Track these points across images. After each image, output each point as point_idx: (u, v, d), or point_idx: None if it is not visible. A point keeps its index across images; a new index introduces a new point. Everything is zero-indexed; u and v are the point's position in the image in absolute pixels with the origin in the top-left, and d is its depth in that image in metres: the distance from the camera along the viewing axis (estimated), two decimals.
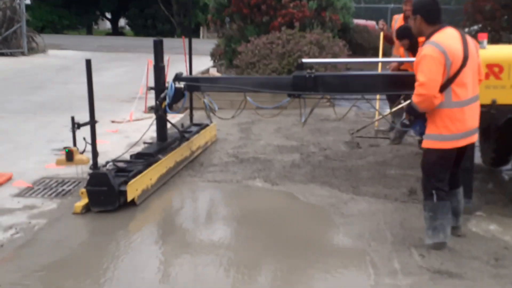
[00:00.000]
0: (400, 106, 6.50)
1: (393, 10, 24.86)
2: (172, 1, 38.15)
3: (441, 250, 3.91)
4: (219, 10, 13.15)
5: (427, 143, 3.95)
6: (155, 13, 38.97)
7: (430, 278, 3.53)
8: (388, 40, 7.58)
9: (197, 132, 6.76)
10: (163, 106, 5.70)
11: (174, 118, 8.03)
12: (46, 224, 4.48)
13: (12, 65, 16.88)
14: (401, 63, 6.59)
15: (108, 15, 46.42)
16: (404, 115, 6.55)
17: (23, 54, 19.73)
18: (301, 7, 11.88)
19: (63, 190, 5.37)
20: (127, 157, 5.64)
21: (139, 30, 40.07)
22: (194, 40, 7.81)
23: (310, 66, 7.89)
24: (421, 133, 4.13)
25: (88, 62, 4.63)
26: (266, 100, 8.60)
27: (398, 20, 7.47)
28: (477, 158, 5.74)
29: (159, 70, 5.85)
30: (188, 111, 7.54)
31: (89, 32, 44.43)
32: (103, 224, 4.49)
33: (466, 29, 13.00)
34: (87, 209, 4.73)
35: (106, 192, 4.67)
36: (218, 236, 4.25)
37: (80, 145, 4.96)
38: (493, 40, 11.43)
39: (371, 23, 23.41)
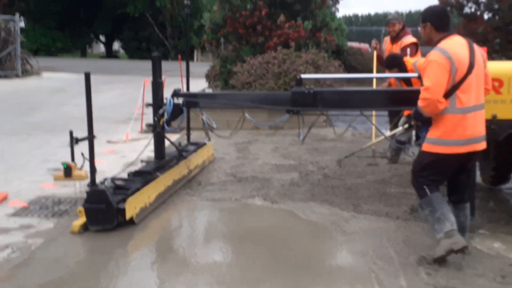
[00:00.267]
0: (396, 130, 6.51)
1: (385, 33, 25.21)
2: (166, 24, 38.48)
3: (447, 267, 3.85)
4: (214, 30, 13.20)
5: (426, 146, 4.00)
6: (149, 36, 39.24)
7: None
8: (381, 62, 7.61)
9: (195, 151, 6.71)
10: (161, 122, 5.65)
11: (170, 137, 7.96)
12: (43, 243, 4.38)
13: (6, 87, 16.85)
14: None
15: (102, 38, 46.61)
16: (398, 133, 6.61)
17: (17, 76, 19.72)
18: (296, 27, 11.95)
19: (59, 209, 5.28)
20: (124, 175, 5.56)
21: (133, 53, 40.28)
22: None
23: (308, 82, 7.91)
24: None
25: (87, 76, 4.59)
26: (263, 120, 8.61)
27: (387, 42, 7.54)
28: (477, 177, 5.71)
29: (157, 86, 5.81)
30: (184, 132, 7.50)
31: (83, 55, 44.63)
32: (101, 243, 4.40)
33: None
34: (85, 228, 4.63)
35: (104, 210, 4.58)
36: (218, 255, 4.17)
37: (78, 161, 4.89)
38: None
39: (364, 45, 23.67)
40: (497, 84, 4.48)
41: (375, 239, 4.42)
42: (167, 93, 5.74)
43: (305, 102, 5.28)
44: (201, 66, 18.45)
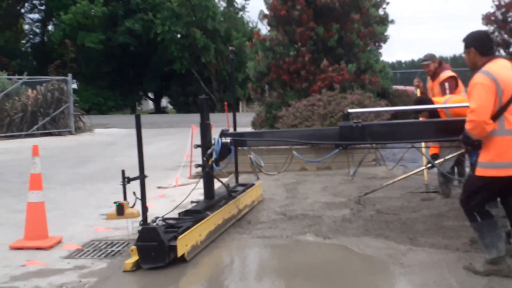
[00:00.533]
0: (441, 160, 6.35)
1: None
2: (212, 78, 39.46)
3: None
4: (259, 78, 13.42)
5: (480, 171, 3.95)
6: (195, 91, 40.24)
7: None
8: None
9: (244, 191, 6.69)
10: (210, 162, 5.69)
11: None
12: (96, 282, 4.39)
13: (60, 143, 17.42)
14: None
15: (151, 95, 48.11)
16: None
17: (70, 133, 20.39)
18: (340, 70, 12.00)
19: (112, 250, 5.31)
20: (175, 216, 5.58)
21: (181, 108, 41.35)
22: None
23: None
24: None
25: (138, 117, 4.70)
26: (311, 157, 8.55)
27: (428, 80, 7.46)
28: None
29: (205, 127, 5.88)
30: (232, 175, 7.52)
31: (133, 112, 46.08)
32: (153, 280, 4.37)
33: None
34: (137, 266, 4.63)
35: (156, 247, 4.57)
36: None
37: (130, 201, 4.94)
38: None
39: (410, 88, 23.42)
40: None
41: (435, 271, 4.23)
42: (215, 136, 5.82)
43: (354, 136, 5.22)
44: (246, 116, 18.66)
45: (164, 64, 42.69)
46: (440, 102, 6.06)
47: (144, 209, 4.76)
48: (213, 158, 5.67)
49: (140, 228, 4.75)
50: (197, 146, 6.03)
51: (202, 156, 5.82)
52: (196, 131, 6.83)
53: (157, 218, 5.01)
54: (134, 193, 4.79)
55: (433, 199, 6.80)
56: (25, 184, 5.64)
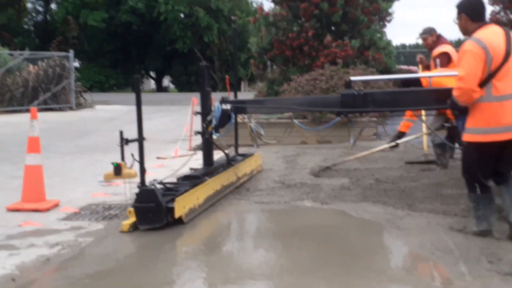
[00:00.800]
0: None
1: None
2: (214, 58, 39.27)
3: (511, 257, 3.62)
4: (261, 54, 13.34)
5: (466, 137, 4.01)
6: (198, 70, 39.94)
7: (501, 280, 3.24)
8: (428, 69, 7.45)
9: (243, 160, 6.66)
10: (209, 129, 5.64)
11: (218, 154, 7.93)
12: (93, 241, 4.38)
13: (61, 118, 17.38)
14: None
15: (153, 74, 47.94)
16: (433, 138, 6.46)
17: (71, 109, 20.33)
18: (343, 46, 11.92)
19: (110, 214, 5.29)
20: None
21: (183, 87, 41.19)
22: None
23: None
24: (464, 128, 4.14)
25: (137, 80, 4.66)
26: (311, 132, 8.52)
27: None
28: None
29: (205, 95, 5.84)
30: (232, 148, 7.48)
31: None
32: (150, 239, 4.36)
33: None
34: (134, 227, 4.62)
35: (154, 208, 4.56)
36: (267, 249, 4.05)
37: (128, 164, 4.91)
38: None
39: (414, 67, 23.30)
40: None
41: (433, 233, 4.21)
42: None
43: (356, 103, 5.16)
44: (248, 95, 18.57)
45: (167, 43, 42.51)
46: (426, 79, 6.01)
47: (142, 170, 4.74)
48: (212, 125, 5.61)
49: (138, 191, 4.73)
50: (197, 113, 5.99)
51: (201, 122, 5.77)
52: (197, 104, 6.77)
53: (155, 180, 4.98)
54: (132, 154, 4.75)
55: (432, 170, 6.77)
56: (24, 153, 5.61)
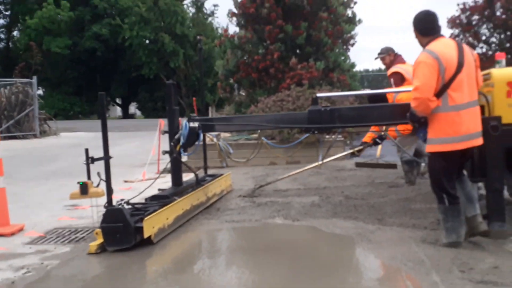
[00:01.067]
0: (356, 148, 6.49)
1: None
2: (181, 84, 39.21)
3: (481, 266, 3.65)
4: (228, 77, 13.38)
5: (429, 148, 4.11)
6: (164, 96, 39.88)
7: (473, 287, 3.25)
8: None
9: (212, 180, 6.60)
10: (177, 148, 5.58)
11: (187, 176, 7.85)
12: (59, 263, 4.25)
13: (25, 145, 17.02)
14: None
15: (119, 101, 47.53)
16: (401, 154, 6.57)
17: (35, 136, 19.93)
18: (308, 68, 12.05)
19: (76, 237, 5.16)
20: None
21: (149, 113, 40.93)
22: None
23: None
24: (425, 139, 4.26)
25: (101, 96, 4.59)
26: (279, 154, 8.52)
27: None
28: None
29: (172, 113, 5.79)
30: (201, 170, 7.42)
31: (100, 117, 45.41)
32: (118, 260, 4.25)
33: None
34: (102, 249, 4.50)
35: (122, 228, 4.45)
36: (239, 265, 4.00)
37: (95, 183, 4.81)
38: None
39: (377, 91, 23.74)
40: None
41: (404, 246, 4.22)
42: None
43: (322, 119, 5.20)
44: None
45: (132, 70, 42.30)
46: (391, 96, 6.13)
47: (109, 189, 4.64)
48: (180, 143, 5.56)
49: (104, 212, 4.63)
50: (165, 132, 5.93)
51: (169, 142, 5.71)
52: (164, 126, 6.70)
53: (122, 200, 4.88)
54: (98, 173, 4.65)
55: (400, 186, 6.83)
56: None
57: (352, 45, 14.93)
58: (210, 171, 7.52)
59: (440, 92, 3.95)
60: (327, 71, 12.71)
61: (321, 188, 7.06)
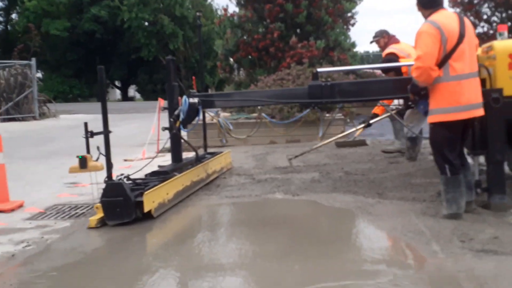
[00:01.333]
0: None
1: None
2: (180, 66, 39.02)
3: (482, 237, 3.65)
4: (227, 56, 13.30)
5: (431, 118, 4.11)
6: (163, 78, 39.72)
7: (474, 256, 3.28)
8: None
9: (212, 157, 6.59)
10: (177, 124, 5.55)
11: (187, 154, 7.84)
12: (59, 237, 4.26)
13: (24, 127, 16.98)
14: None
15: (118, 84, 47.34)
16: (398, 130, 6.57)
17: (34, 118, 19.85)
18: (309, 47, 11.98)
19: (76, 213, 5.16)
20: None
21: (149, 96, 40.80)
22: None
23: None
24: (426, 112, 4.29)
25: (101, 70, 4.55)
26: (279, 131, 8.50)
27: None
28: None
29: (172, 89, 5.75)
30: (201, 149, 7.40)
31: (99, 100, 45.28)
32: (118, 234, 4.26)
33: None
34: (102, 223, 4.50)
35: (122, 202, 4.45)
36: (239, 236, 4.04)
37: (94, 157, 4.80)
38: None
39: (377, 71, 23.63)
40: None
41: (404, 218, 4.22)
42: None
43: (323, 94, 5.18)
44: None
45: (131, 52, 42.04)
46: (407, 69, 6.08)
47: (109, 164, 4.63)
48: (180, 119, 5.53)
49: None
50: (164, 108, 5.90)
51: (169, 118, 5.68)
52: (164, 104, 6.66)
53: (122, 174, 4.87)
54: (98, 147, 4.64)
55: (400, 162, 6.82)
56: None
57: (353, 24, 14.87)
58: (209, 150, 7.50)
59: (442, 62, 3.96)
60: (328, 50, 12.64)
61: (321, 165, 7.04)
